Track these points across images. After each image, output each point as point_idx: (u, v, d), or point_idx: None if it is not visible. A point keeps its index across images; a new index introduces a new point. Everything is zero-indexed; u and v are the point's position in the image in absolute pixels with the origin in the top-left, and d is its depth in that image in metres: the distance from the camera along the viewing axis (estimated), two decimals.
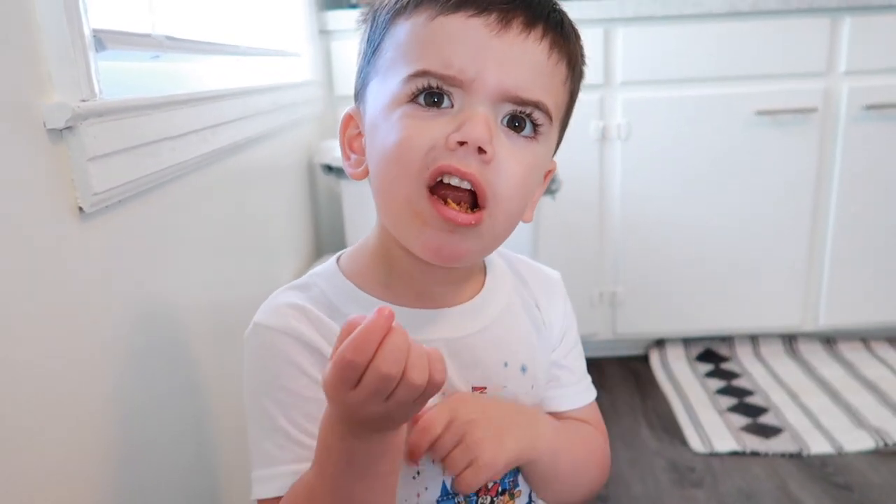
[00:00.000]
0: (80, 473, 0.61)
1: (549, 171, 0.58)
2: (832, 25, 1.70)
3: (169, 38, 0.86)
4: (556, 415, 0.64)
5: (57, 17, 0.58)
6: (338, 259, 0.60)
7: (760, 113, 1.74)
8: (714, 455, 1.50)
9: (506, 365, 0.58)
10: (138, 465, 0.71)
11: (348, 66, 1.78)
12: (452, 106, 0.48)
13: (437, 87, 0.48)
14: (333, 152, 1.54)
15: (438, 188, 0.48)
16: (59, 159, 0.59)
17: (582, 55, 0.54)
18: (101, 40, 0.66)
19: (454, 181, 0.48)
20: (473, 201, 0.49)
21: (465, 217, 0.48)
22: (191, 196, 0.87)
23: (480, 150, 0.47)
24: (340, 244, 1.68)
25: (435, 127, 0.48)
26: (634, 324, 1.91)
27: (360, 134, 0.55)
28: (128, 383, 0.69)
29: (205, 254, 0.92)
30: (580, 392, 0.66)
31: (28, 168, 0.55)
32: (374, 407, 0.41)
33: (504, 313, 0.60)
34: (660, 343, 1.98)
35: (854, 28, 1.69)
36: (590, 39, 1.90)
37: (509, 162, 0.49)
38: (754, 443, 1.53)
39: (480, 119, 0.47)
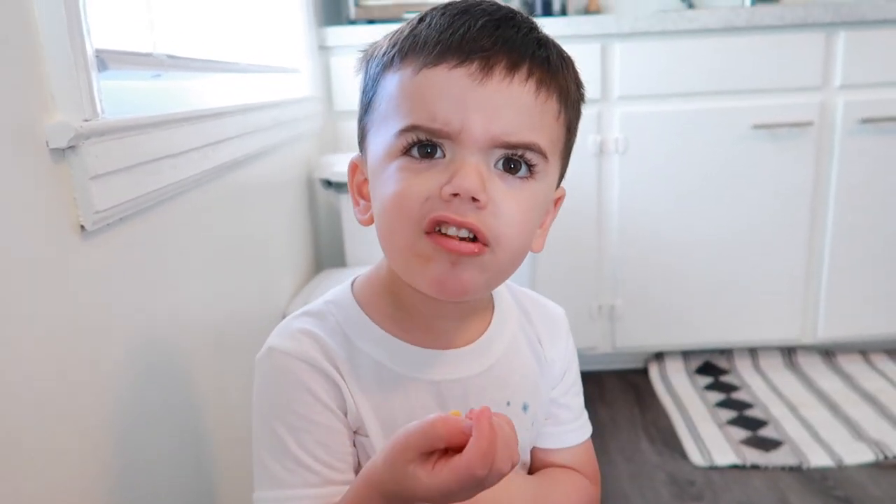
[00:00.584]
0: (79, 490, 0.61)
1: (559, 199, 0.59)
2: (827, 40, 1.71)
3: (170, 56, 0.87)
4: (548, 452, 0.65)
5: (60, 38, 0.59)
6: (352, 284, 0.60)
7: (757, 127, 1.75)
8: (714, 468, 1.50)
9: (508, 404, 0.59)
10: (137, 483, 0.71)
11: (347, 81, 1.80)
12: (444, 156, 0.49)
13: (427, 140, 0.49)
14: (333, 167, 1.55)
15: (433, 234, 0.49)
16: (62, 178, 0.59)
17: (577, 83, 0.54)
18: (104, 60, 0.67)
19: (451, 231, 0.48)
20: (474, 238, 0.49)
21: (466, 246, 0.48)
22: (191, 213, 0.88)
23: (474, 199, 0.48)
24: (340, 259, 1.69)
25: (429, 178, 0.49)
26: (633, 337, 1.91)
27: (366, 180, 0.56)
28: (128, 400, 0.70)
29: (205, 270, 0.92)
30: (576, 430, 0.67)
31: (30, 187, 0.56)
32: (461, 496, 0.44)
33: (508, 351, 0.60)
34: (659, 356, 1.98)
35: (848, 42, 1.71)
36: (587, 55, 1.92)
37: (506, 203, 0.49)
38: (754, 456, 1.52)
39: (471, 169, 0.48)
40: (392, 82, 0.51)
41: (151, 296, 0.76)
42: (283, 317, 1.33)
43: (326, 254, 1.73)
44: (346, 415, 0.54)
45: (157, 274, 0.77)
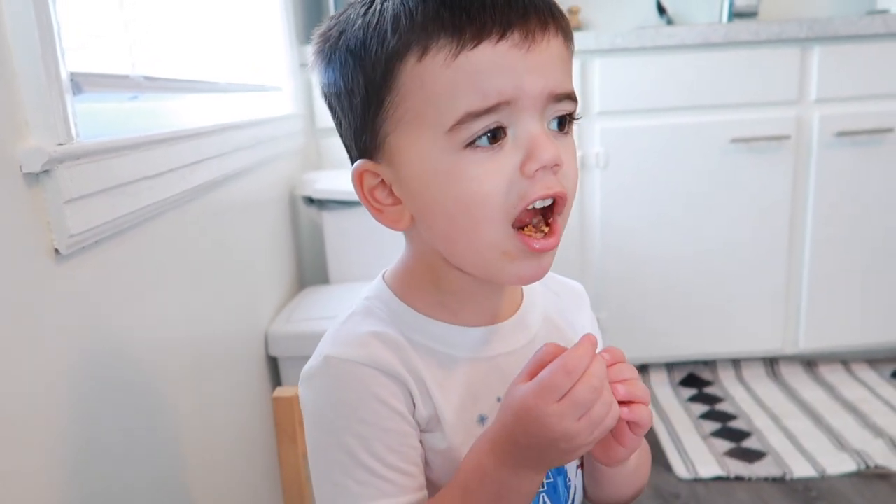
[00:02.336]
0: None
1: None
2: (802, 55, 1.74)
3: (147, 78, 0.87)
4: None
5: (33, 63, 0.59)
6: (383, 278, 0.58)
7: (735, 140, 1.77)
8: (699, 481, 1.50)
9: None
10: None
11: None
12: (506, 135, 0.47)
13: (490, 126, 0.47)
14: (315, 184, 1.55)
15: (521, 233, 0.49)
16: (36, 202, 0.59)
17: None
18: (79, 83, 0.67)
19: (537, 203, 0.48)
20: (544, 212, 0.50)
21: (552, 241, 0.49)
22: (169, 234, 0.87)
23: (555, 165, 0.48)
24: (323, 276, 1.69)
25: (503, 163, 0.47)
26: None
27: (382, 182, 0.51)
28: (104, 425, 0.69)
29: (185, 291, 0.92)
30: None
31: (4, 211, 0.55)
32: (568, 422, 0.45)
33: (546, 320, 0.60)
34: (643, 368, 1.99)
35: (823, 57, 1.74)
36: None
37: (569, 161, 0.50)
38: (738, 467, 1.53)
39: (545, 138, 0.47)
40: (420, 74, 0.46)
41: (129, 319, 0.75)
42: (266, 336, 1.33)
43: (309, 271, 1.73)
44: (414, 413, 0.52)
45: (134, 296, 0.77)
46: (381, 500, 0.50)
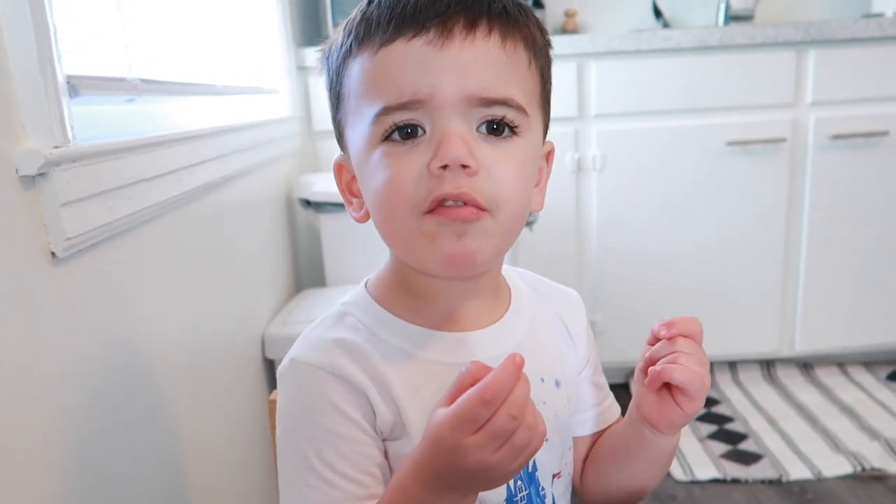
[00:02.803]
0: None
1: (549, 153, 0.58)
2: (798, 58, 1.75)
3: (144, 80, 0.87)
4: (604, 430, 0.66)
5: (30, 66, 0.59)
6: (365, 284, 0.59)
7: (731, 143, 1.78)
8: (695, 483, 1.50)
9: (542, 381, 0.58)
10: None
11: (326, 101, 1.80)
12: (425, 132, 0.48)
13: (404, 122, 0.48)
14: (312, 187, 1.55)
15: (433, 211, 0.48)
16: (32, 205, 0.59)
17: (540, 30, 0.53)
18: (75, 86, 0.67)
19: (449, 203, 0.47)
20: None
21: (468, 210, 0.47)
22: (167, 236, 0.87)
23: (464, 166, 0.47)
24: (320, 279, 1.68)
25: (415, 159, 0.48)
26: (614, 352, 1.91)
27: (354, 178, 0.54)
28: (101, 428, 0.69)
29: (182, 293, 0.92)
30: (612, 404, 0.68)
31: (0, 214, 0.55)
32: (486, 454, 0.42)
33: (533, 329, 0.60)
34: None
35: (818, 61, 1.74)
36: (563, 73, 1.95)
37: (497, 166, 0.48)
38: (735, 470, 1.53)
39: (455, 137, 0.47)
40: (355, 70, 0.50)
41: (125, 322, 0.75)
42: (262, 338, 1.33)
43: (306, 274, 1.73)
44: (374, 422, 0.52)
45: (131, 299, 0.77)
46: None
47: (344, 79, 0.52)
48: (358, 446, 0.51)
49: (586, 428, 0.66)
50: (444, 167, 0.46)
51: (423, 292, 0.55)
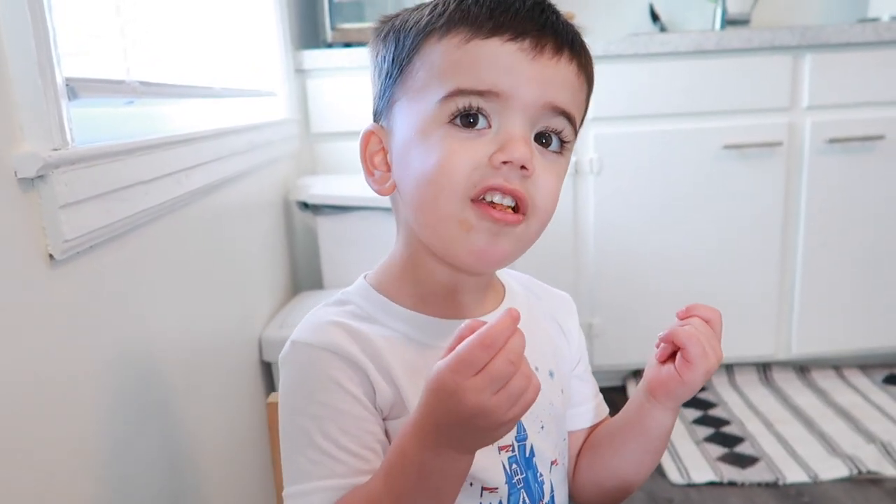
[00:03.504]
0: None
1: None
2: (794, 62, 1.76)
3: (143, 83, 0.87)
4: (597, 424, 0.68)
5: (29, 68, 0.59)
6: (365, 277, 0.60)
7: (728, 147, 1.78)
8: (692, 486, 1.51)
9: (537, 370, 0.59)
10: None
11: (324, 104, 1.81)
12: (489, 126, 0.51)
13: (474, 108, 0.50)
14: (310, 189, 1.55)
15: (480, 203, 0.51)
16: (30, 207, 0.59)
17: (594, 75, 0.58)
18: (74, 89, 0.67)
19: (496, 198, 0.50)
20: (515, 208, 0.52)
21: (513, 216, 0.51)
22: (165, 238, 0.87)
23: (523, 167, 0.50)
24: (317, 282, 1.68)
25: (476, 147, 0.50)
26: (611, 355, 1.92)
27: (382, 149, 0.56)
28: (99, 431, 0.69)
29: (180, 296, 0.92)
30: (601, 402, 0.70)
31: None
32: (485, 396, 0.43)
33: (527, 321, 0.60)
34: (637, 373, 2.00)
35: (814, 65, 1.75)
36: None
37: (545, 176, 0.52)
38: (731, 473, 1.54)
39: (522, 139, 0.50)
40: (435, 51, 0.52)
41: (123, 324, 0.75)
42: (260, 341, 1.33)
43: (303, 276, 1.73)
44: (374, 400, 0.53)
45: (129, 301, 0.77)
46: (329, 480, 0.51)
47: (417, 54, 0.53)
48: (360, 422, 0.52)
49: (583, 421, 0.67)
50: (505, 162, 0.49)
51: (430, 280, 0.57)
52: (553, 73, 0.51)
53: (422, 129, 0.52)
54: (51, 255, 0.61)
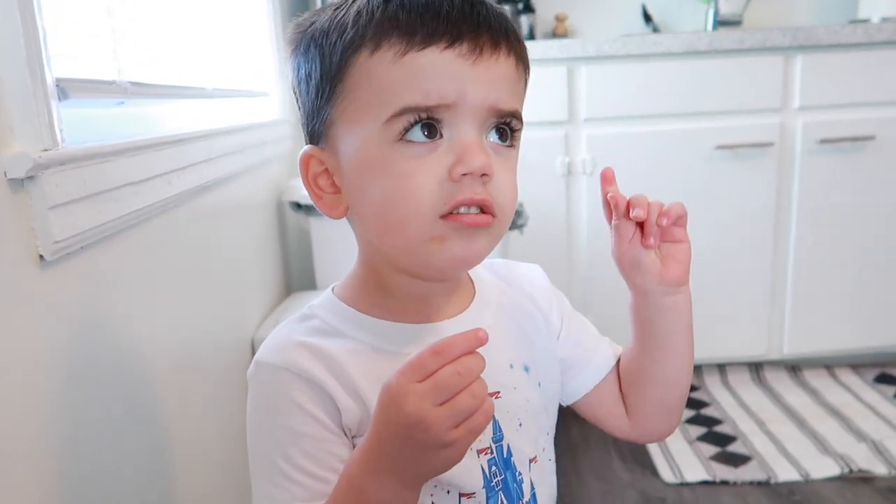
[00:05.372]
0: None
1: None
2: (785, 63, 1.77)
3: (134, 84, 0.87)
4: (606, 383, 0.67)
5: (19, 69, 0.59)
6: (332, 289, 0.60)
7: (720, 147, 1.79)
8: (684, 485, 1.51)
9: (511, 367, 0.59)
10: None
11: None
12: (441, 136, 0.49)
13: (424, 118, 0.49)
14: (302, 190, 1.55)
15: (449, 216, 0.50)
16: (20, 208, 0.59)
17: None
18: (64, 89, 0.67)
19: (462, 209, 0.50)
20: (480, 211, 0.51)
21: (484, 218, 0.50)
22: (156, 239, 0.87)
23: (483, 174, 0.49)
24: (310, 282, 1.68)
25: (433, 163, 0.49)
26: None
27: (325, 171, 0.54)
28: (90, 431, 0.69)
29: (171, 296, 0.91)
30: (607, 349, 0.68)
31: None
32: (426, 405, 0.42)
33: (498, 316, 0.60)
34: None
35: (806, 66, 1.76)
36: (554, 77, 1.94)
37: (502, 175, 0.51)
38: (723, 472, 1.54)
39: (478, 146, 0.49)
40: (369, 67, 0.49)
41: (114, 325, 0.75)
42: (252, 342, 1.33)
43: (296, 277, 1.73)
44: (340, 420, 0.52)
45: (119, 302, 0.77)
46: (290, 503, 0.51)
47: (347, 72, 0.50)
48: (322, 444, 0.52)
49: (604, 368, 0.67)
50: (465, 174, 0.48)
51: (398, 290, 0.55)
52: (495, 72, 0.50)
53: (371, 152, 0.50)
54: (41, 256, 0.61)
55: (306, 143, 0.55)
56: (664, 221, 0.61)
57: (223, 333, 1.14)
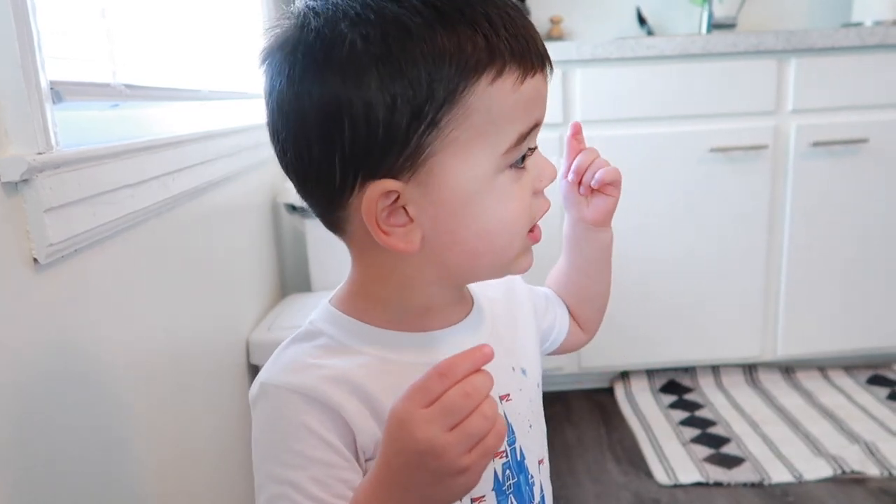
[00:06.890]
0: None
1: None
2: (779, 66, 1.77)
3: (128, 86, 0.87)
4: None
5: (13, 72, 0.59)
6: (330, 302, 0.57)
7: (714, 150, 1.80)
8: (679, 486, 1.52)
9: (513, 370, 0.60)
10: None
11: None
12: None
13: (529, 146, 0.52)
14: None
15: (533, 229, 0.54)
16: (15, 211, 0.59)
17: None
18: (59, 92, 0.67)
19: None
20: None
21: (538, 232, 0.55)
22: (151, 242, 0.87)
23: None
24: (305, 284, 1.68)
25: (525, 183, 0.52)
26: (599, 357, 1.93)
27: (395, 204, 0.48)
28: (83, 435, 0.69)
29: (166, 299, 0.91)
30: (547, 291, 0.76)
31: None
32: (436, 430, 0.40)
33: (495, 324, 0.61)
34: (624, 375, 2.01)
35: (799, 69, 1.77)
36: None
37: None
38: (717, 473, 1.55)
39: (545, 159, 0.53)
40: (492, 95, 0.47)
41: (108, 328, 0.75)
42: (247, 344, 1.32)
43: (291, 279, 1.73)
44: (353, 443, 0.50)
45: (114, 305, 0.77)
46: None
47: (459, 101, 0.46)
48: (332, 470, 0.50)
49: (564, 310, 0.76)
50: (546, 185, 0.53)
51: (405, 303, 0.54)
52: (545, 91, 0.53)
53: (486, 180, 0.49)
54: (35, 259, 0.61)
55: (354, 182, 0.48)
56: (593, 182, 0.69)
57: (218, 335, 1.14)
